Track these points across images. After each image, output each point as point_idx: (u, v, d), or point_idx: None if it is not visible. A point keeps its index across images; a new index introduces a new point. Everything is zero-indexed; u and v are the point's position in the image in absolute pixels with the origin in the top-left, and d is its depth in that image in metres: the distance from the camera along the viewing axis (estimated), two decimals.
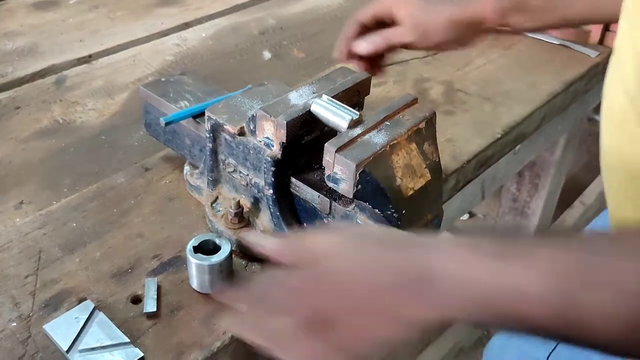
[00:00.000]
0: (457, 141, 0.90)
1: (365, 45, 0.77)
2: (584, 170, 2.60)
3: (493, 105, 0.98)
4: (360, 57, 0.79)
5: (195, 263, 0.63)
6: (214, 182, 0.73)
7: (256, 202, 0.69)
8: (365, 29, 0.79)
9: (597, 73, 1.12)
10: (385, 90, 1.00)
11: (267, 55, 1.10)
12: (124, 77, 1.01)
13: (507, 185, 1.44)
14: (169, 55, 1.08)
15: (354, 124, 0.59)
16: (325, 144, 0.57)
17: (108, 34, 1.12)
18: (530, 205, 1.41)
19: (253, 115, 0.63)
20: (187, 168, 0.78)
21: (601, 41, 1.14)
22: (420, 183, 0.59)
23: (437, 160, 0.62)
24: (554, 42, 1.15)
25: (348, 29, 0.79)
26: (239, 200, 0.69)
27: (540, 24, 0.80)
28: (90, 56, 1.05)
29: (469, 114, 0.96)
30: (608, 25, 1.13)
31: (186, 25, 1.17)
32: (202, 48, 1.11)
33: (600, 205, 1.75)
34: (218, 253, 0.63)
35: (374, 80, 0.73)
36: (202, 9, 1.23)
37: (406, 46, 0.78)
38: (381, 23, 0.79)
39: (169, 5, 1.24)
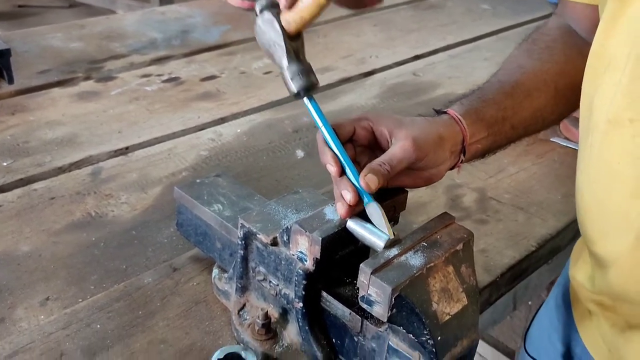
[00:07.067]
0: (491, 252, 0.88)
1: (377, 179, 0.59)
2: None
3: (527, 215, 0.97)
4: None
5: None
6: (243, 289, 0.71)
7: (284, 313, 0.68)
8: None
9: None
10: (417, 195, 0.99)
11: (299, 153, 1.11)
12: (158, 171, 1.02)
13: (538, 292, 1.40)
14: (204, 150, 1.09)
15: (390, 244, 0.58)
16: (361, 265, 0.56)
17: (146, 126, 1.15)
18: None
19: (287, 228, 0.63)
20: (215, 271, 0.77)
21: None
22: (456, 308, 0.57)
23: (475, 284, 0.60)
24: None
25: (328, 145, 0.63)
26: (267, 311, 0.67)
27: (499, 136, 0.73)
28: (127, 148, 1.07)
29: (502, 223, 0.95)
30: None
31: (222, 120, 1.20)
32: (236, 144, 1.12)
33: None
34: None
35: None
36: (238, 104, 1.26)
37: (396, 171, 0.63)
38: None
39: (207, 99, 1.27)
